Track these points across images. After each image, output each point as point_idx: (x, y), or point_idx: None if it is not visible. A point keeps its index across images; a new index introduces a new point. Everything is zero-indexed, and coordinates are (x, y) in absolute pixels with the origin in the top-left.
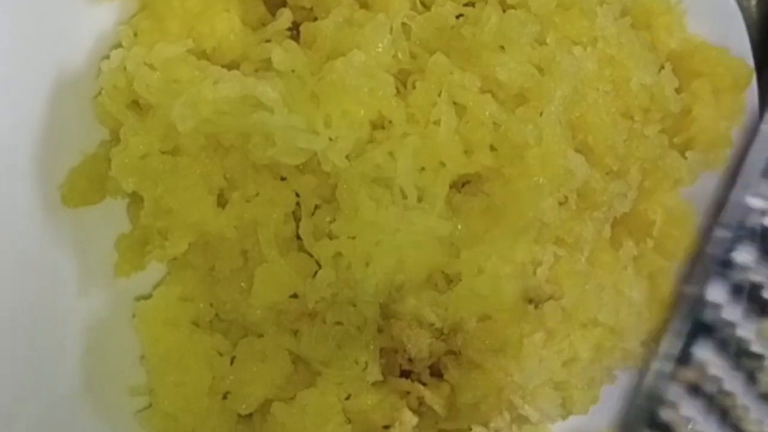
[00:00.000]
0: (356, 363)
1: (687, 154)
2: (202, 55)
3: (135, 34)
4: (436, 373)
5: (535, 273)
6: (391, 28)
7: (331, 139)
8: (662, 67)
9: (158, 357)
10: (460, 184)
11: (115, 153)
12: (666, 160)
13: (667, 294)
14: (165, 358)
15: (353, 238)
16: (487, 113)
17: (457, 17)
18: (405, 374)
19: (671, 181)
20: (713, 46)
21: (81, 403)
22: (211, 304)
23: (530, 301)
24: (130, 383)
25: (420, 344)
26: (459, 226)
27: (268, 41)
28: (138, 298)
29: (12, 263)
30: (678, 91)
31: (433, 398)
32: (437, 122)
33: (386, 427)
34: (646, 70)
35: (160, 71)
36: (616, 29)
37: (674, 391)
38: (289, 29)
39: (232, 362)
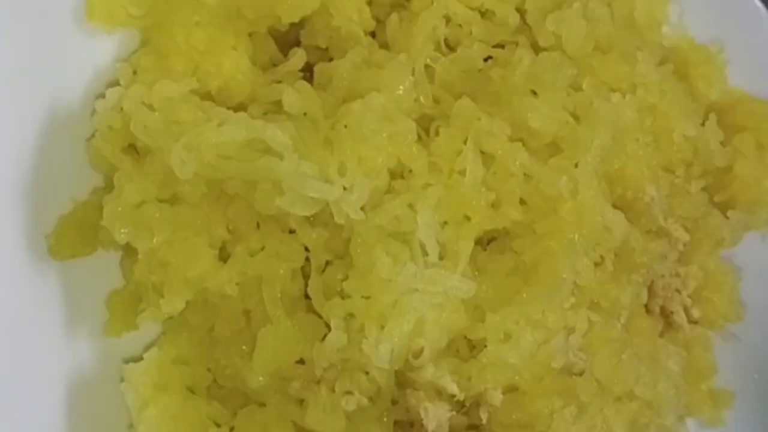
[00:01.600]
0: None
1: (729, 213)
2: (207, 96)
3: (134, 72)
4: None
5: (567, 341)
6: (413, 70)
7: (345, 189)
8: (706, 118)
9: (148, 425)
10: (486, 241)
11: (107, 200)
12: (708, 219)
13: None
14: (155, 426)
15: (367, 297)
16: (517, 163)
17: (486, 60)
18: None
19: (712, 242)
20: (757, 98)
21: None
22: (209, 369)
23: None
24: None
25: (439, 418)
26: (484, 287)
27: (278, 82)
28: (127, 360)
29: None
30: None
31: None
32: (462, 172)
33: None
34: (689, 121)
35: (160, 111)
36: (658, 76)
37: None
38: (302, 70)
39: None
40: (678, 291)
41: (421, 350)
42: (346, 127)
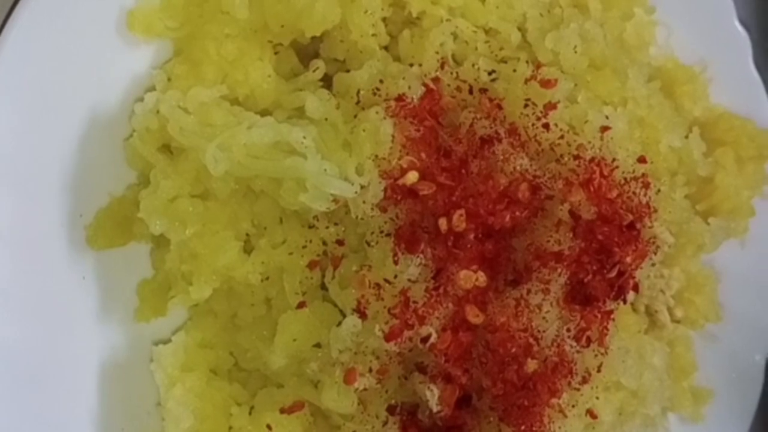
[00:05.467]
0: (377, 417)
1: (709, 220)
2: (235, 102)
3: (169, 79)
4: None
5: (569, 329)
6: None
7: (362, 187)
8: (690, 132)
9: (174, 402)
10: None
11: (144, 195)
12: (690, 225)
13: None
14: (181, 404)
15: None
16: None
17: (489, 73)
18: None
19: (694, 246)
20: (737, 115)
21: None
22: (231, 353)
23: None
24: (145, 430)
25: (442, 400)
26: None
27: (300, 90)
28: (156, 343)
29: (31, 299)
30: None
31: None
32: None
33: None
34: (675, 133)
35: (195, 114)
36: (647, 91)
37: None
38: (321, 80)
39: (250, 412)
40: (662, 291)
41: (429, 336)
42: (364, 131)
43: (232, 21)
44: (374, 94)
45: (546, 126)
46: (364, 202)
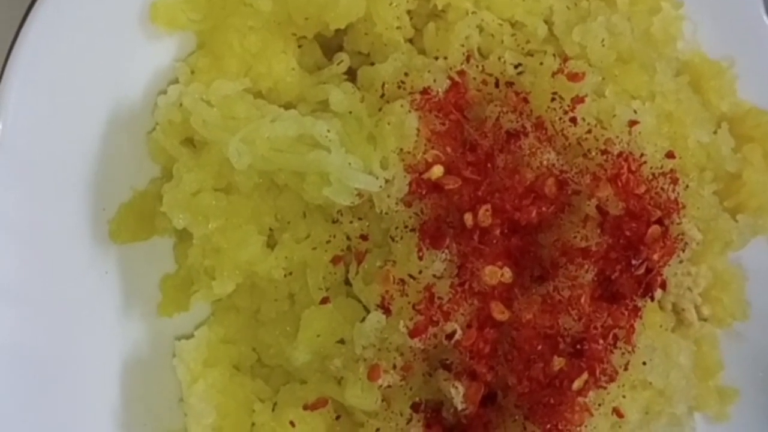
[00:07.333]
0: (400, 415)
1: (737, 217)
2: (258, 95)
3: (192, 72)
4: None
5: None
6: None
7: (387, 181)
8: (718, 128)
9: (197, 398)
10: None
11: (167, 189)
12: (718, 221)
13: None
14: (204, 399)
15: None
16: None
17: (515, 66)
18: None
19: (722, 243)
20: (765, 111)
21: None
22: (254, 348)
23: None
24: (167, 427)
25: (467, 398)
26: None
27: (324, 84)
28: (179, 338)
29: (54, 293)
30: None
31: None
32: None
33: None
34: (703, 128)
35: (218, 108)
36: (675, 86)
37: None
38: (344, 74)
39: (273, 409)
40: (689, 289)
41: (454, 332)
42: (389, 124)
43: (255, 13)
44: (399, 87)
45: (573, 120)
46: (388, 196)
